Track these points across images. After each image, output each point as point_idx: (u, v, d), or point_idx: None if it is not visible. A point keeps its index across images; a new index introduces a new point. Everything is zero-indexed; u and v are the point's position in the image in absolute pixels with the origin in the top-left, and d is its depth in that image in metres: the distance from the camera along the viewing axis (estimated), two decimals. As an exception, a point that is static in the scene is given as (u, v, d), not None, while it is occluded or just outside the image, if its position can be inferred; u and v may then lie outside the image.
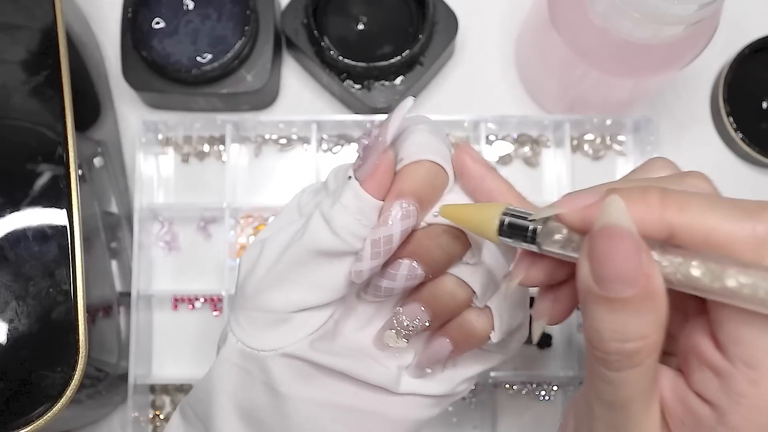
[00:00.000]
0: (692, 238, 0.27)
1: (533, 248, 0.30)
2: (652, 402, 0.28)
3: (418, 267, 0.34)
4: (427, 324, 0.37)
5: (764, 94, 0.61)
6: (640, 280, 0.25)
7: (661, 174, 0.32)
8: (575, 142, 0.61)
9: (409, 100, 0.33)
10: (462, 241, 0.35)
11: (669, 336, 0.31)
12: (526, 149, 0.61)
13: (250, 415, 0.37)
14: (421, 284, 0.36)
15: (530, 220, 0.30)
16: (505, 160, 0.61)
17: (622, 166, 0.61)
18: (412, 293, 0.37)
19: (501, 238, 0.31)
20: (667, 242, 0.27)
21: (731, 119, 0.60)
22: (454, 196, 0.35)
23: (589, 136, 0.61)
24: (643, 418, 0.28)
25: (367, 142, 0.34)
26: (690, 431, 0.28)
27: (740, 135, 0.60)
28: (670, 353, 0.32)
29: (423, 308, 0.36)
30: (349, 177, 0.34)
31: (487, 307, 0.36)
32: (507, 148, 0.61)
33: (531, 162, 0.61)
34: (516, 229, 0.31)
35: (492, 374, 0.57)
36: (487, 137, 0.60)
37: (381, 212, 0.33)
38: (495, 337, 0.37)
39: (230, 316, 0.37)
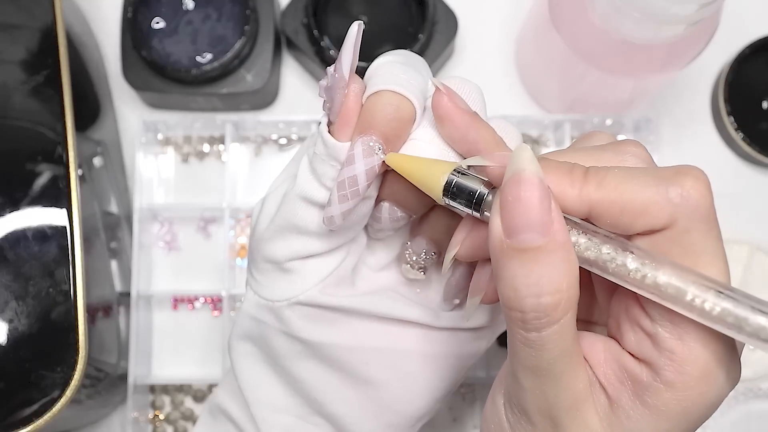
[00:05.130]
0: (609, 212, 0.27)
1: (476, 214, 0.29)
2: (578, 365, 0.28)
3: (398, 210, 0.34)
4: (434, 255, 0.36)
5: (764, 94, 0.61)
6: (550, 226, 0.26)
7: (601, 143, 0.32)
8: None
9: (355, 25, 0.31)
10: None
11: (598, 307, 0.33)
12: (527, 149, 0.61)
13: (276, 363, 0.37)
14: (422, 217, 0.35)
15: (462, 172, 0.29)
16: (505, 160, 0.61)
17: (622, 166, 0.61)
18: (414, 227, 0.36)
19: (445, 199, 0.30)
20: (587, 221, 0.28)
21: (732, 119, 0.60)
22: (423, 131, 0.33)
23: (589, 136, 0.61)
24: (571, 381, 0.28)
25: (326, 83, 0.31)
26: (629, 391, 0.28)
27: (741, 135, 0.59)
28: (600, 323, 0.33)
29: (426, 240, 0.36)
30: (319, 123, 0.32)
31: None
32: (507, 148, 0.61)
33: (531, 162, 0.61)
34: (462, 192, 0.29)
35: (492, 374, 0.57)
36: (487, 137, 0.60)
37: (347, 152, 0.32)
38: None
39: (247, 271, 0.37)
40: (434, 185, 0.30)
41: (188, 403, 0.58)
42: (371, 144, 0.31)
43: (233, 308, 0.58)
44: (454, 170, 0.30)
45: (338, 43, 0.58)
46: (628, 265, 0.27)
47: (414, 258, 0.36)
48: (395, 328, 0.37)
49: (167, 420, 0.57)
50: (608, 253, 0.27)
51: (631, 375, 0.28)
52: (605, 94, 0.57)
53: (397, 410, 0.37)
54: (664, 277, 0.26)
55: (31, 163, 0.46)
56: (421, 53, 0.57)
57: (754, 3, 0.63)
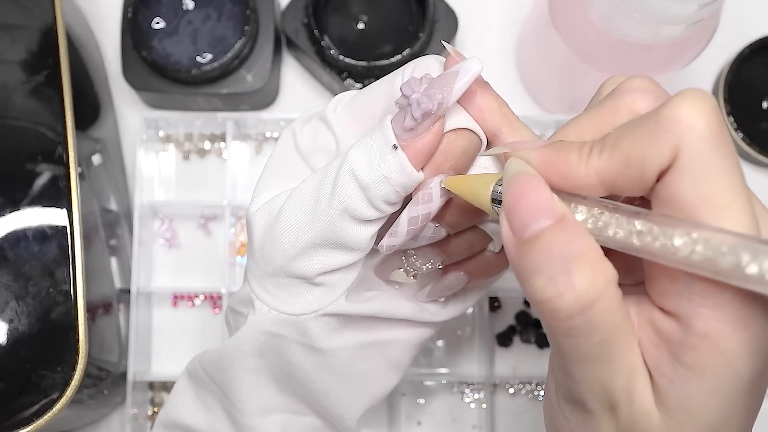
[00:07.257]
0: (619, 174, 0.26)
1: None
2: (631, 338, 0.26)
3: (443, 228, 0.34)
4: (439, 266, 0.37)
5: (764, 94, 0.61)
6: (554, 206, 0.25)
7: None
8: (575, 142, 0.61)
9: (476, 64, 0.31)
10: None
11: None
12: (526, 148, 0.61)
13: (283, 372, 0.37)
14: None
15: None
16: (505, 159, 0.61)
17: (621, 166, 0.61)
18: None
19: (494, 206, 0.30)
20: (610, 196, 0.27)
21: (731, 119, 0.60)
22: (481, 160, 0.34)
23: (589, 136, 0.61)
24: (626, 357, 0.26)
25: (430, 107, 0.30)
26: (665, 354, 0.26)
27: (740, 135, 0.59)
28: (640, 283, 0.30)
29: (437, 252, 0.36)
30: (395, 146, 0.31)
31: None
32: (507, 147, 0.61)
33: (531, 161, 0.61)
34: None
35: (492, 374, 0.57)
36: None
37: (420, 186, 0.32)
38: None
39: (252, 283, 0.36)
40: (483, 199, 0.30)
41: (188, 400, 0.58)
42: None
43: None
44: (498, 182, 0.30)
45: (338, 43, 0.58)
46: (638, 230, 0.25)
47: (417, 265, 0.37)
48: (386, 324, 0.38)
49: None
50: (615, 223, 0.26)
51: (663, 334, 0.26)
52: (605, 94, 0.57)
53: (376, 395, 0.39)
54: (678, 240, 0.24)
55: (31, 163, 0.46)
56: (421, 52, 0.57)
57: (754, 3, 0.63)
